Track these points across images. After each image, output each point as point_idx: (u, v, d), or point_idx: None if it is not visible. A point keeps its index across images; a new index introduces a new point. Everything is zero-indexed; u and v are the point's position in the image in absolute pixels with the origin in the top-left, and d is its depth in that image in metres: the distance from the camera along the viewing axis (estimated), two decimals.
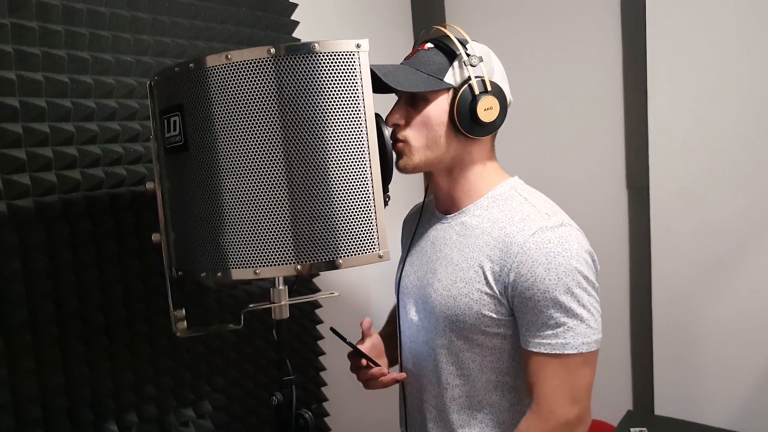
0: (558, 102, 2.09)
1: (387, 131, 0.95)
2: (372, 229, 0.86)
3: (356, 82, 0.83)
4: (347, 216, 0.84)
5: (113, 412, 1.18)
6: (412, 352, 1.14)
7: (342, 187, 0.84)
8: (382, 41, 2.13)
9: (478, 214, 1.04)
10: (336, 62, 0.82)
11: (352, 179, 0.84)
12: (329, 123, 0.83)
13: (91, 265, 1.13)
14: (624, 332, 2.05)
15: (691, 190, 1.85)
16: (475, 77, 0.98)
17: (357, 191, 0.84)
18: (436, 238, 1.10)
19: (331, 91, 0.82)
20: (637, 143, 1.94)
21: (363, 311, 2.04)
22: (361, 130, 0.84)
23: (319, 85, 0.82)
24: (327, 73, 0.82)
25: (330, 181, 0.83)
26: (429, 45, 1.03)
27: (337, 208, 0.84)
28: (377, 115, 0.90)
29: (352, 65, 0.83)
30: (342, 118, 0.83)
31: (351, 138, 0.84)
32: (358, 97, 0.84)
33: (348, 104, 0.83)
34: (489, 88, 0.98)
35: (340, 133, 0.83)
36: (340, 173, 0.83)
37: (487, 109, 0.97)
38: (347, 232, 0.84)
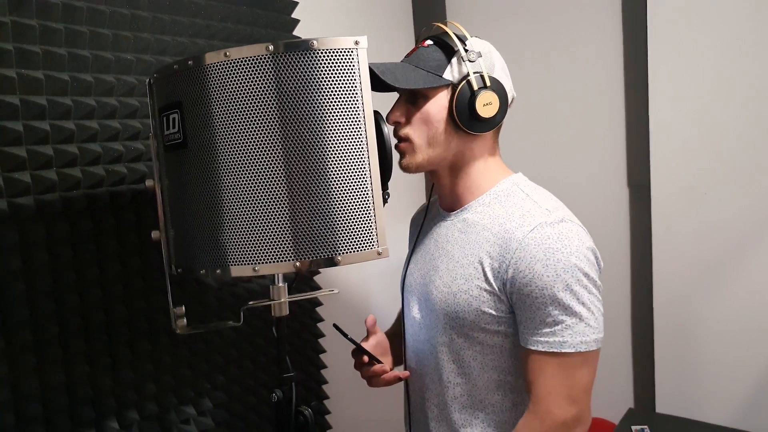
0: (559, 100, 2.09)
1: (386, 129, 0.95)
2: (371, 226, 0.86)
3: (355, 79, 0.83)
4: (346, 213, 0.84)
5: (114, 410, 1.18)
6: (414, 350, 1.14)
7: (341, 183, 0.84)
8: (383, 39, 2.13)
9: (480, 211, 1.03)
10: (334, 59, 0.82)
11: (351, 176, 0.84)
12: (328, 120, 0.83)
13: (92, 263, 1.14)
14: (625, 331, 2.04)
15: (692, 189, 1.85)
16: (474, 73, 0.97)
17: (356, 188, 0.84)
18: (439, 236, 1.10)
19: (329, 87, 0.82)
20: (638, 142, 1.93)
21: (364, 309, 2.04)
22: (360, 127, 0.84)
23: (317, 81, 0.82)
24: (325, 70, 0.82)
25: (329, 178, 0.83)
26: (429, 42, 1.03)
27: (335, 204, 0.84)
28: (376, 113, 0.90)
29: (351, 62, 0.83)
30: (340, 115, 0.83)
31: (349, 135, 0.84)
32: (356, 94, 0.84)
33: (346, 101, 0.83)
34: (488, 84, 0.97)
35: (338, 130, 0.83)
36: (339, 170, 0.83)
37: (486, 105, 0.97)
38: (346, 229, 0.84)
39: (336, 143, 0.83)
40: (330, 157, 0.83)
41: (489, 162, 1.06)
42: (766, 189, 1.73)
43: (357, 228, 0.85)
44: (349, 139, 0.84)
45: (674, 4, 1.81)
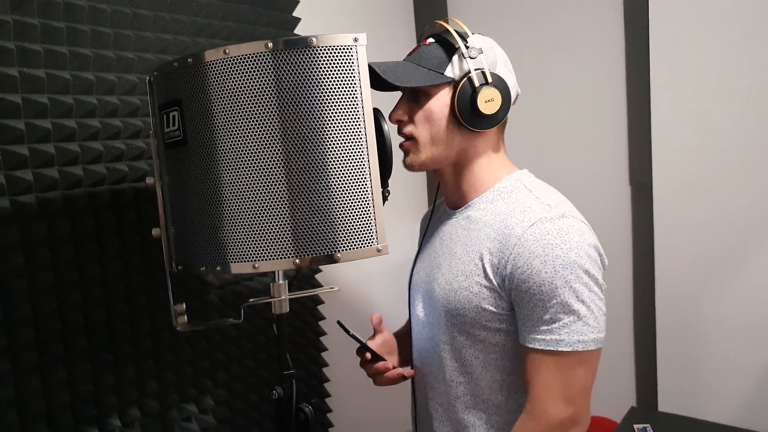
0: (560, 99, 2.09)
1: (386, 126, 0.95)
2: (370, 222, 0.86)
3: (354, 76, 0.84)
4: (345, 209, 0.84)
5: (116, 407, 1.18)
6: (419, 349, 1.13)
7: (340, 180, 0.84)
8: (384, 38, 2.14)
9: (483, 208, 1.03)
10: (333, 56, 0.83)
11: (351, 172, 0.84)
12: (327, 116, 0.83)
13: (93, 261, 1.14)
14: (627, 329, 2.04)
15: (694, 187, 1.84)
16: (475, 69, 0.97)
17: (355, 184, 0.85)
18: (444, 234, 1.09)
19: (328, 84, 0.83)
20: (640, 139, 1.93)
21: (365, 307, 2.04)
22: (359, 124, 0.84)
23: (317, 78, 0.82)
24: (325, 67, 0.82)
25: (328, 174, 0.83)
26: (430, 40, 1.03)
27: (335, 201, 0.84)
28: (376, 110, 0.90)
29: (350, 59, 0.83)
30: (340, 111, 0.83)
31: (349, 131, 0.84)
32: (355, 90, 0.84)
33: (346, 97, 0.83)
34: (489, 80, 0.97)
35: (337, 126, 0.83)
36: (338, 166, 0.84)
37: (488, 101, 0.96)
38: (346, 226, 0.84)
39: (335, 140, 0.83)
40: (329, 154, 0.83)
41: (493, 159, 1.05)
42: None
43: (356, 225, 0.85)
44: (348, 135, 0.84)
45: (676, 2, 1.81)
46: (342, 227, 0.84)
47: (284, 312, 1.02)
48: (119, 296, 1.18)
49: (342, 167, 0.84)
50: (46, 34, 1.08)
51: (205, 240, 0.88)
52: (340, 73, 0.83)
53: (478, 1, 2.21)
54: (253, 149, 0.83)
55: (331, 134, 0.83)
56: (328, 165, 0.83)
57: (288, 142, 0.82)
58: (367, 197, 0.86)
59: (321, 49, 0.82)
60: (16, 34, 1.03)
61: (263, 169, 0.83)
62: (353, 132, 0.84)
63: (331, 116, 0.83)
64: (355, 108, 0.84)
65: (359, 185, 0.85)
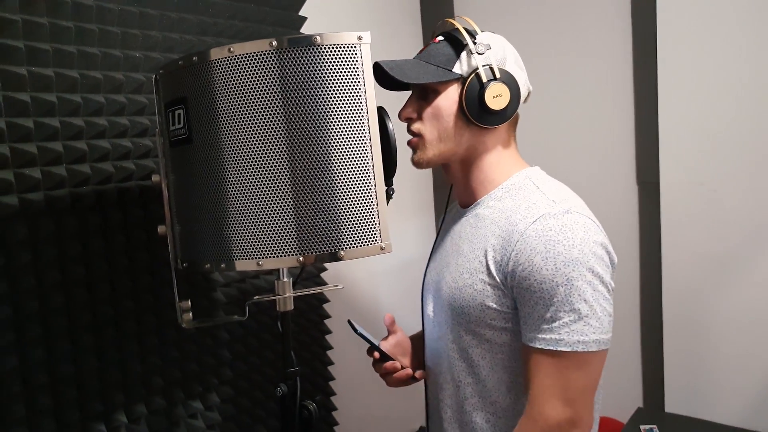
0: (568, 98, 2.08)
1: (391, 124, 0.95)
2: (374, 220, 0.86)
3: (358, 74, 0.84)
4: (349, 207, 0.85)
5: (122, 404, 1.19)
6: (430, 349, 1.12)
7: (344, 174, 0.84)
8: (390, 36, 2.14)
9: (491, 205, 1.02)
10: (338, 54, 0.83)
11: (354, 171, 0.85)
12: (331, 112, 0.83)
13: (100, 258, 1.15)
14: (634, 329, 2.03)
15: (702, 186, 1.83)
16: (483, 66, 0.96)
17: (359, 183, 0.85)
18: (454, 233, 1.09)
19: (333, 82, 0.83)
20: (648, 138, 1.92)
21: (370, 306, 2.04)
22: (363, 121, 0.85)
23: (321, 76, 0.83)
24: (329, 65, 0.83)
25: (332, 169, 0.84)
26: (440, 38, 1.03)
27: (339, 199, 0.84)
28: (381, 108, 0.90)
29: (354, 57, 0.84)
30: (343, 108, 0.84)
31: (353, 127, 0.84)
32: (359, 88, 0.84)
33: (349, 95, 0.84)
34: (498, 76, 0.96)
35: (341, 122, 0.84)
36: (342, 159, 0.84)
37: (496, 97, 0.95)
38: (349, 223, 0.85)
39: (339, 136, 0.84)
40: (333, 147, 0.84)
41: (503, 155, 1.04)
42: None
43: (360, 223, 0.85)
44: (352, 132, 0.84)
45: (684, 1, 1.80)
46: (346, 224, 0.85)
47: (289, 309, 1.02)
48: (125, 293, 1.19)
49: (346, 160, 0.84)
50: (55, 34, 1.09)
51: (210, 237, 0.89)
52: (345, 71, 0.83)
53: None
54: (257, 147, 0.83)
55: (335, 131, 0.83)
56: (332, 158, 0.84)
57: (292, 137, 0.83)
58: (371, 195, 0.86)
59: (325, 48, 0.83)
60: (25, 34, 1.04)
61: (267, 166, 0.83)
62: (357, 125, 0.85)
63: (334, 112, 0.83)
64: (359, 105, 0.84)
65: (363, 183, 0.85)
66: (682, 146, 1.85)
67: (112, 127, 1.17)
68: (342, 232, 0.85)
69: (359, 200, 0.85)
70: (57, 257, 1.08)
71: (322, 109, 0.83)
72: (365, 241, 0.86)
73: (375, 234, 0.86)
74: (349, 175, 0.84)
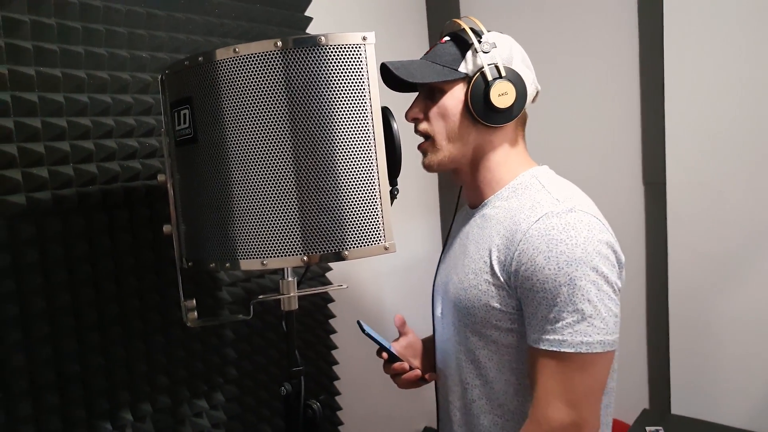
0: (574, 97, 2.07)
1: (395, 124, 0.95)
2: (378, 220, 0.86)
3: (362, 74, 0.84)
4: (353, 205, 0.85)
5: (128, 402, 1.20)
6: (440, 351, 1.12)
7: (348, 173, 0.84)
8: (396, 36, 2.14)
9: (498, 205, 1.01)
10: (342, 54, 0.83)
11: (359, 171, 0.85)
12: (336, 112, 0.83)
13: (106, 257, 1.16)
14: (640, 330, 2.02)
15: (708, 186, 1.82)
16: (488, 64, 0.96)
17: (363, 182, 0.85)
18: (462, 233, 1.08)
19: (337, 82, 0.83)
20: (654, 139, 1.91)
21: (375, 306, 2.05)
22: (367, 121, 0.85)
23: (326, 76, 0.83)
24: (334, 65, 0.83)
25: (336, 168, 0.84)
26: (446, 38, 1.03)
27: (343, 199, 0.84)
28: (385, 108, 0.90)
29: (359, 57, 0.84)
30: (348, 108, 0.84)
31: (357, 124, 0.84)
32: (364, 88, 0.84)
33: (354, 95, 0.84)
34: (503, 74, 0.95)
35: (346, 123, 0.84)
36: (346, 158, 0.84)
37: (501, 95, 0.95)
38: (353, 223, 0.85)
39: (344, 136, 0.84)
40: (338, 146, 0.84)
41: (510, 154, 1.03)
42: None
43: (364, 222, 0.86)
44: (356, 127, 0.84)
45: (691, 1, 1.79)
46: (349, 224, 0.85)
47: (293, 309, 1.03)
48: (131, 292, 1.20)
49: (350, 160, 0.84)
50: (62, 34, 1.09)
51: (214, 236, 0.89)
52: (349, 71, 0.84)
53: None
54: (262, 146, 0.84)
55: (340, 129, 0.84)
56: (336, 158, 0.84)
57: (297, 137, 0.83)
58: (375, 195, 0.86)
59: (330, 48, 0.83)
60: (33, 34, 1.05)
61: (272, 165, 0.84)
62: (362, 130, 0.85)
63: (339, 112, 0.84)
64: (364, 105, 0.85)
65: (367, 183, 0.85)
66: (689, 147, 1.85)
67: (119, 126, 1.18)
68: (346, 232, 0.85)
69: (363, 200, 0.85)
70: (63, 256, 1.09)
71: (326, 108, 0.83)
72: (369, 241, 0.86)
73: (379, 234, 0.87)
74: (353, 175, 0.85)
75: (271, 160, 0.84)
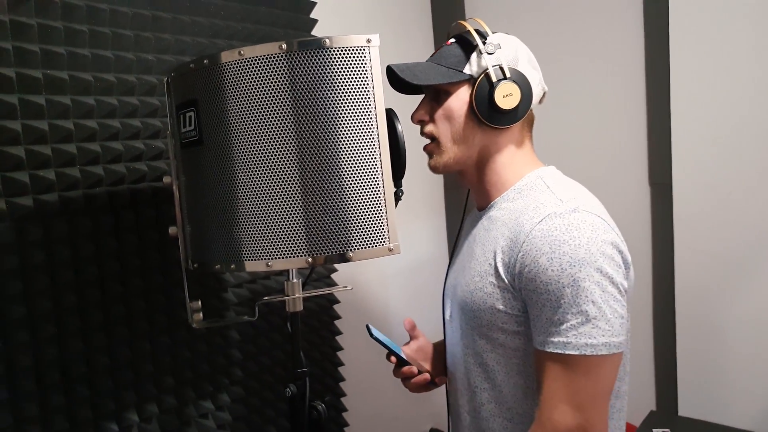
0: (579, 98, 2.07)
1: (400, 126, 0.95)
2: (382, 222, 0.86)
3: (367, 76, 0.84)
4: (357, 209, 0.85)
5: (134, 403, 1.21)
6: (450, 354, 1.11)
7: (352, 179, 0.84)
8: (401, 38, 2.14)
9: (504, 207, 1.00)
10: (347, 57, 0.84)
11: (362, 172, 0.85)
12: (340, 115, 0.84)
13: (112, 258, 1.17)
14: (647, 331, 2.01)
15: (715, 187, 1.81)
16: (493, 66, 0.96)
17: (367, 184, 0.85)
18: (470, 236, 1.08)
19: (342, 82, 0.83)
20: (660, 140, 1.90)
21: (381, 308, 2.05)
22: (371, 122, 0.85)
23: (330, 78, 0.83)
24: (338, 68, 0.83)
25: (341, 174, 0.84)
26: (452, 40, 1.03)
27: (347, 201, 0.84)
28: (389, 110, 0.90)
29: (363, 60, 0.84)
30: (352, 110, 0.84)
31: (361, 130, 0.85)
32: (368, 89, 0.85)
33: (358, 95, 0.84)
34: (508, 75, 0.95)
35: (350, 125, 0.84)
36: (351, 165, 0.84)
37: (506, 96, 0.94)
38: (358, 226, 0.85)
39: (348, 139, 0.84)
40: (342, 153, 0.84)
41: (516, 156, 1.02)
42: None
43: (368, 224, 0.86)
44: (360, 134, 0.85)
45: (696, 1, 1.78)
46: (354, 226, 0.85)
47: (298, 310, 1.03)
48: (137, 293, 1.21)
49: (354, 167, 0.85)
50: (69, 37, 1.10)
51: (220, 238, 0.89)
52: (354, 73, 0.84)
53: (495, 0, 2.20)
54: (267, 148, 0.84)
55: (343, 133, 0.84)
56: (341, 164, 0.84)
57: (302, 141, 0.83)
58: (379, 197, 0.86)
59: (334, 50, 0.83)
60: (40, 37, 1.06)
61: (277, 167, 0.84)
62: (366, 131, 0.85)
63: (343, 115, 0.84)
64: (368, 106, 0.85)
65: (371, 185, 0.86)
66: (695, 148, 1.84)
67: (125, 129, 1.19)
68: (351, 234, 0.85)
69: (367, 201, 0.85)
70: (70, 257, 1.10)
71: (330, 110, 0.83)
72: (374, 243, 0.86)
73: (383, 235, 0.87)
74: (357, 176, 0.85)
75: (276, 162, 0.84)
